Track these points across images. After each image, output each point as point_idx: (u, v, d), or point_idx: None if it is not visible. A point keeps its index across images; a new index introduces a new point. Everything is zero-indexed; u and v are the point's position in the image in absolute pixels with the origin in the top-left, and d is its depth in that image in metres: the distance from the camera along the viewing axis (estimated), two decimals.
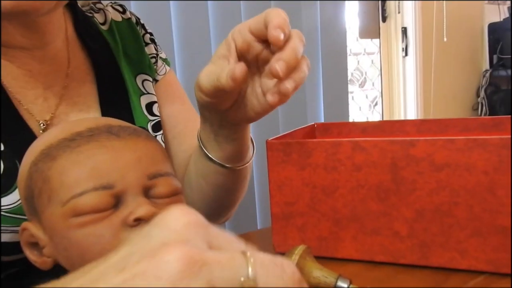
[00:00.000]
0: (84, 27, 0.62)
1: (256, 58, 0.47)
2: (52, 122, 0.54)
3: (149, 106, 0.65)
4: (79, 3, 0.64)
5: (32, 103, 0.54)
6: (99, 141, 0.39)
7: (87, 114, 0.57)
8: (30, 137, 0.51)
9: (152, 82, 0.66)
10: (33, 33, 0.53)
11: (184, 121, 0.68)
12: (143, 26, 0.69)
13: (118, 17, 0.66)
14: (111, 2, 0.68)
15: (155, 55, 0.69)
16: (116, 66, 0.63)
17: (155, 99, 0.66)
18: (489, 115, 2.42)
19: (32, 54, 0.54)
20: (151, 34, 0.70)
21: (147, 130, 0.62)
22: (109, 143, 0.39)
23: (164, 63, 0.70)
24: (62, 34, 0.58)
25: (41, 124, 0.53)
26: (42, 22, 0.53)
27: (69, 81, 0.57)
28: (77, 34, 0.61)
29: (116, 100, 0.61)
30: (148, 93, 0.65)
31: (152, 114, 0.64)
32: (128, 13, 0.68)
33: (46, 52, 0.55)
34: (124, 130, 0.41)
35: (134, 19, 0.68)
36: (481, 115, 2.45)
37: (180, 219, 0.23)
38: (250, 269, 0.22)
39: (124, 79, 0.63)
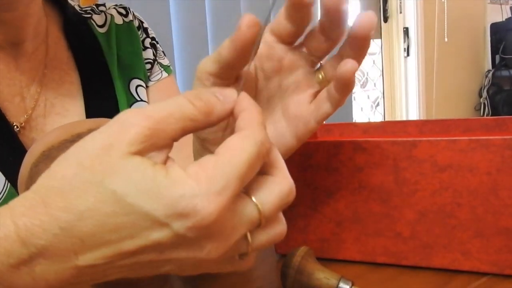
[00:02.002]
0: (73, 29, 0.60)
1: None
2: (28, 124, 0.52)
3: None
4: (76, 4, 0.63)
5: (8, 101, 0.52)
6: None
7: (64, 118, 0.55)
8: (7, 136, 0.50)
9: (145, 89, 0.64)
10: (9, 28, 0.51)
11: None
12: (145, 30, 0.67)
13: (120, 21, 0.65)
14: (115, 5, 0.66)
15: (151, 61, 0.66)
16: (105, 72, 0.61)
17: None
18: (491, 116, 2.41)
19: (7, 52, 0.52)
20: (152, 39, 0.67)
21: None
22: None
23: (162, 69, 0.67)
24: (41, 30, 0.56)
25: (15, 127, 0.51)
26: (18, 17, 0.51)
27: (47, 80, 0.55)
28: (65, 35, 0.59)
29: (102, 106, 0.59)
30: (142, 100, 0.63)
31: None
32: (130, 16, 0.66)
33: (22, 49, 0.53)
34: None
35: (136, 23, 0.66)
36: (483, 115, 2.44)
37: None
38: None
39: (114, 87, 0.61)
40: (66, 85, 0.57)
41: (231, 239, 0.25)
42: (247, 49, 0.32)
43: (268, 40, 0.37)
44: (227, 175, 0.24)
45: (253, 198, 0.26)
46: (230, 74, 0.35)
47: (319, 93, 0.39)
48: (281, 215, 0.28)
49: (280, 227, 0.28)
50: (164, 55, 0.69)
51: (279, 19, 0.36)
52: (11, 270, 0.24)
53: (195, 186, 0.23)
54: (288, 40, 0.37)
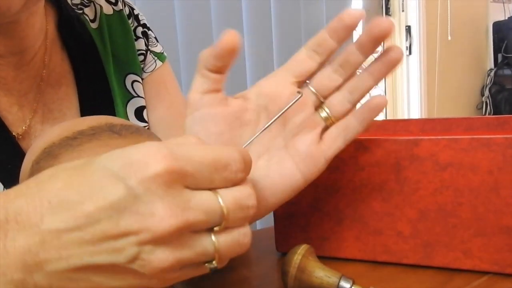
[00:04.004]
0: (68, 26, 0.57)
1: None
2: (28, 133, 0.52)
3: (139, 111, 0.61)
4: None
5: (6, 111, 0.51)
6: (101, 140, 0.39)
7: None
8: (8, 145, 0.50)
9: (141, 83, 0.62)
10: (11, 40, 0.50)
11: (167, 127, 0.63)
12: (136, 17, 0.63)
13: (109, 10, 0.61)
14: None
15: (144, 51, 0.63)
16: (101, 71, 0.59)
17: (144, 103, 0.62)
18: (493, 114, 2.41)
19: (7, 61, 0.51)
20: (143, 26, 0.64)
21: None
22: (111, 142, 0.39)
23: (156, 57, 0.64)
24: (42, 36, 0.54)
25: (14, 136, 0.51)
26: (21, 27, 0.50)
27: (44, 85, 0.54)
28: (59, 34, 0.57)
29: (98, 107, 0.57)
30: (138, 96, 0.62)
31: (142, 120, 0.61)
32: (120, 4, 0.62)
33: (23, 58, 0.52)
34: (126, 128, 0.41)
35: (127, 10, 0.62)
36: (485, 114, 2.44)
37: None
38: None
39: (109, 86, 0.59)
40: (63, 88, 0.56)
41: (186, 215, 0.25)
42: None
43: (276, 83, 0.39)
44: (185, 150, 0.27)
45: (217, 195, 0.28)
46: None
47: (326, 131, 0.40)
48: (245, 221, 0.29)
49: (244, 231, 0.28)
50: (157, 41, 0.65)
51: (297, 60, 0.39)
52: None
53: (151, 145, 0.26)
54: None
